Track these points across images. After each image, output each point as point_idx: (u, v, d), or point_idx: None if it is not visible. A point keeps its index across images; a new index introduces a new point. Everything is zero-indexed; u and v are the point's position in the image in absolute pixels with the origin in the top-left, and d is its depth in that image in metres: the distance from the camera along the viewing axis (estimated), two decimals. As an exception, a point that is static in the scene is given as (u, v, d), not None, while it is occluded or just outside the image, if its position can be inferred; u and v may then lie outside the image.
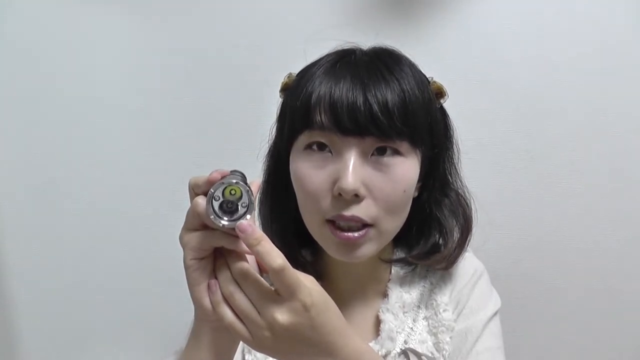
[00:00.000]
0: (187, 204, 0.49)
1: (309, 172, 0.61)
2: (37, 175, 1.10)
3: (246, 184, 0.47)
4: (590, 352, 1.09)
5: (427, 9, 1.02)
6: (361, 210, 0.59)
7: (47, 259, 1.12)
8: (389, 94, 0.58)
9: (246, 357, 0.69)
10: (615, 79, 1.01)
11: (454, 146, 0.71)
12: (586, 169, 1.03)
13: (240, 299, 0.47)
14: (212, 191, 0.45)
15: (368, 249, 0.62)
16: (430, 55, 0.94)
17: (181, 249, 0.49)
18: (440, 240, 0.70)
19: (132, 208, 1.10)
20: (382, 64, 0.61)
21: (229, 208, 0.45)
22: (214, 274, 0.49)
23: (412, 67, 0.64)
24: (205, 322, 0.53)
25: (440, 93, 0.66)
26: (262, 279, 0.48)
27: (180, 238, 0.49)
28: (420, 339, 0.67)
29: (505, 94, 1.03)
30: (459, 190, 0.71)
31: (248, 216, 0.46)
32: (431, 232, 0.70)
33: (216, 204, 0.45)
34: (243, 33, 1.05)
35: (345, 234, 0.60)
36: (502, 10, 1.01)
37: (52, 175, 1.10)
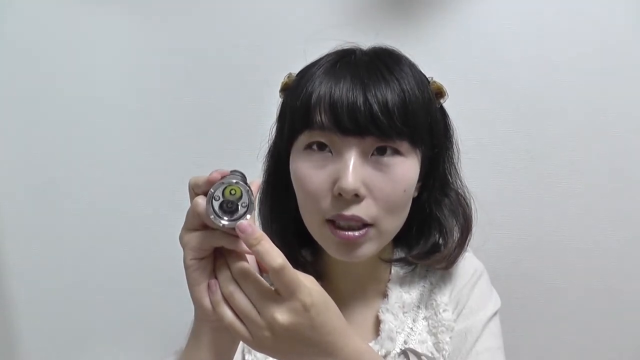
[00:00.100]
0: (187, 204, 0.49)
1: (309, 172, 0.61)
2: (37, 175, 1.10)
3: (246, 184, 0.47)
4: (590, 352, 1.09)
5: (427, 9, 1.02)
6: (361, 210, 0.59)
7: (47, 259, 1.12)
8: (389, 94, 0.58)
9: (246, 357, 0.69)
10: (615, 79, 1.01)
11: (454, 146, 0.71)
12: (586, 169, 1.03)
13: (240, 298, 0.47)
14: (212, 191, 0.45)
15: (368, 249, 0.62)
16: (430, 55, 0.94)
17: (181, 249, 0.49)
18: (440, 240, 0.70)
19: (132, 208, 1.10)
20: (382, 64, 0.61)
21: (229, 208, 0.45)
22: (214, 274, 0.49)
23: (412, 67, 0.64)
24: (205, 322, 0.53)
25: (440, 93, 0.66)
26: (262, 278, 0.48)
27: (180, 238, 0.49)
28: (420, 339, 0.67)
29: (505, 94, 1.03)
30: (459, 190, 0.71)
31: (248, 216, 0.46)
32: (431, 232, 0.70)
33: (216, 204, 0.45)
34: (243, 33, 1.05)
35: (345, 233, 0.60)
36: (502, 10, 1.01)
37: (52, 175, 1.10)
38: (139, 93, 1.08)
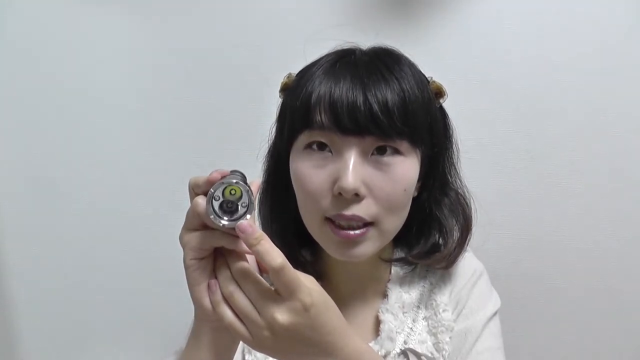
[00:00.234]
0: (187, 204, 0.49)
1: (309, 172, 0.61)
2: (37, 175, 1.10)
3: (246, 183, 0.47)
4: (590, 352, 1.09)
5: (427, 9, 1.02)
6: (361, 210, 0.59)
7: (47, 259, 1.12)
8: (388, 94, 0.58)
9: (246, 357, 0.69)
10: (615, 79, 1.01)
11: (454, 146, 0.71)
12: (586, 169, 1.03)
13: (240, 298, 0.47)
14: (212, 191, 0.45)
15: (367, 248, 0.62)
16: (430, 55, 0.94)
17: (181, 249, 0.49)
18: (440, 239, 0.70)
19: (132, 208, 1.10)
20: (382, 63, 0.61)
21: (229, 208, 0.45)
22: (214, 274, 0.49)
23: (412, 66, 0.64)
24: (205, 322, 0.53)
25: (439, 93, 0.66)
26: (262, 278, 0.48)
27: (180, 238, 0.49)
28: (419, 339, 0.67)
29: (505, 94, 1.03)
30: (459, 190, 0.71)
31: (248, 216, 0.46)
32: (431, 232, 0.70)
33: (216, 204, 0.45)
34: (243, 33, 1.05)
35: (345, 231, 0.60)
36: (502, 10, 1.01)
37: (52, 175, 1.10)
38: (139, 93, 1.08)
